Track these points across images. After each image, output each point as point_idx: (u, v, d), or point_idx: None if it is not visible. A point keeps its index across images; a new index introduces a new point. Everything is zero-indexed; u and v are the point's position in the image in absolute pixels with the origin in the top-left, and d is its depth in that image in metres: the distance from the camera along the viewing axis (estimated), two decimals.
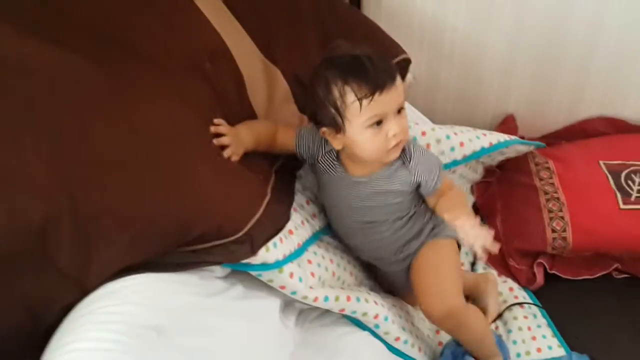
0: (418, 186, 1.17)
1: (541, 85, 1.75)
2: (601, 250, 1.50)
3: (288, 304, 1.15)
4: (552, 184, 1.58)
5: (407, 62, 1.44)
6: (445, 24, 1.67)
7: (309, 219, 1.23)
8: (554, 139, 1.80)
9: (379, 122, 1.07)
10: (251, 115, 1.21)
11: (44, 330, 0.80)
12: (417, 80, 1.76)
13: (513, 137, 1.54)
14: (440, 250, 1.23)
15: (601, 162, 1.61)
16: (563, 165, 1.63)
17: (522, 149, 1.60)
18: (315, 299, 1.11)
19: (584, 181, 1.58)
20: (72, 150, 0.82)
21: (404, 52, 1.44)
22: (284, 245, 1.06)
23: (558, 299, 1.48)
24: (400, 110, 1.09)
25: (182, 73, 1.06)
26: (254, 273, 1.04)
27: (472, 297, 1.43)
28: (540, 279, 1.50)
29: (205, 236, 0.91)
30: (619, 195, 1.52)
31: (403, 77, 1.30)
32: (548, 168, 1.63)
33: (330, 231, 1.30)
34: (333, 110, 1.07)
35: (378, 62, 1.05)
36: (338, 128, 1.09)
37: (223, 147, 1.05)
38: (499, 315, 1.44)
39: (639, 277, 1.49)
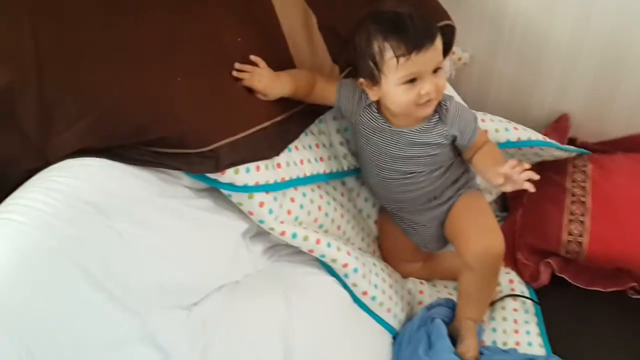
0: (454, 139, 1.22)
1: (603, 87, 1.64)
2: (619, 265, 1.42)
3: (262, 233, 1.19)
4: (584, 187, 1.51)
5: (451, 28, 1.41)
6: (507, 4, 1.61)
7: (317, 159, 1.25)
8: (610, 148, 1.70)
9: (413, 80, 1.12)
10: (285, 49, 1.24)
11: (6, 192, 0.89)
12: (472, 60, 1.72)
13: (548, 139, 1.48)
14: (480, 199, 1.32)
15: None
16: (602, 172, 1.55)
17: (559, 154, 1.54)
18: (282, 233, 1.14)
19: (619, 193, 1.49)
20: (61, 36, 0.90)
21: (448, 17, 1.41)
22: (260, 173, 1.09)
23: (559, 302, 1.43)
24: (437, 70, 1.12)
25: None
26: (224, 192, 1.09)
27: None
28: (544, 277, 1.45)
29: (166, 141, 0.97)
30: None
31: (446, 44, 1.28)
32: (584, 172, 1.55)
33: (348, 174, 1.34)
34: (371, 64, 1.13)
35: (419, 22, 1.10)
36: (375, 81, 1.14)
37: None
38: (492, 303, 1.41)
39: None
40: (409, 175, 1.24)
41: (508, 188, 1.11)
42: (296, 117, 1.22)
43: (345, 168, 1.35)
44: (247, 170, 1.07)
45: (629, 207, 1.45)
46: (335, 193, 1.33)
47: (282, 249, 1.23)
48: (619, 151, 1.68)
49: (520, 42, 1.66)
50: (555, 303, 1.43)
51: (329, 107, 1.30)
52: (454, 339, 1.24)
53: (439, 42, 1.12)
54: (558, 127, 1.69)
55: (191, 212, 1.04)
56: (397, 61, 1.09)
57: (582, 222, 1.45)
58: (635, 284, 1.40)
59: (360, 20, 1.15)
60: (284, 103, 1.19)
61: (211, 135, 1.01)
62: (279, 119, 1.16)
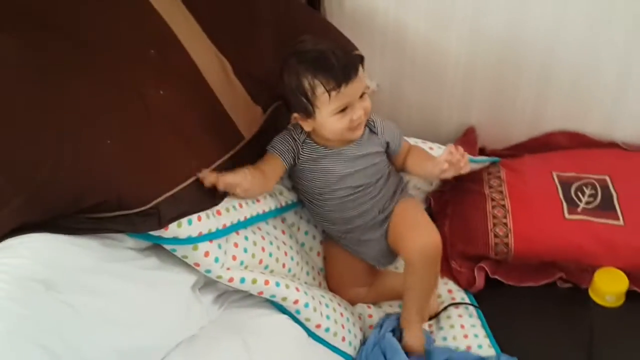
0: (387, 146, 1.38)
1: (502, 97, 1.77)
2: (545, 258, 1.51)
3: (210, 283, 1.19)
4: (501, 191, 1.61)
5: (360, 58, 1.48)
6: (406, 29, 1.70)
7: (253, 200, 1.27)
8: (517, 151, 1.82)
9: (344, 109, 1.24)
10: (211, 95, 1.27)
11: None
12: (380, 88, 1.80)
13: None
14: (413, 202, 1.46)
15: (554, 173, 1.63)
16: (515, 174, 1.66)
17: (474, 166, 1.63)
18: (230, 280, 1.15)
19: (532, 191, 1.60)
20: None
21: (355, 48, 1.49)
22: (201, 223, 1.10)
23: (498, 303, 1.49)
24: (362, 95, 1.25)
25: (120, 57, 1.13)
26: (167, 247, 1.09)
27: None
28: (480, 282, 1.51)
29: (103, 205, 0.97)
30: (565, 205, 1.54)
31: None
32: (499, 177, 1.66)
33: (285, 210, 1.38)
34: (304, 100, 1.24)
35: (342, 57, 1.22)
36: (309, 114, 1.25)
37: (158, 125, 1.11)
38: (436, 315, 1.46)
39: (581, 287, 1.48)
40: (359, 189, 1.34)
41: (450, 173, 1.26)
42: (229, 163, 1.23)
43: (283, 204, 1.38)
44: (190, 222, 1.08)
45: (542, 202, 1.56)
46: (276, 232, 1.35)
47: (231, 295, 1.24)
48: (525, 153, 1.80)
49: (422, 65, 1.76)
50: (495, 304, 1.49)
51: (263, 148, 1.34)
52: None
53: (361, 71, 1.24)
54: (467, 140, 1.79)
55: (139, 273, 1.04)
56: (329, 95, 1.20)
57: (505, 224, 1.54)
58: (562, 274, 1.49)
59: (285, 60, 1.25)
60: (214, 152, 1.21)
61: (149, 193, 1.01)
62: (217, 164, 1.18)
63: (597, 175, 1.61)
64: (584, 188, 1.58)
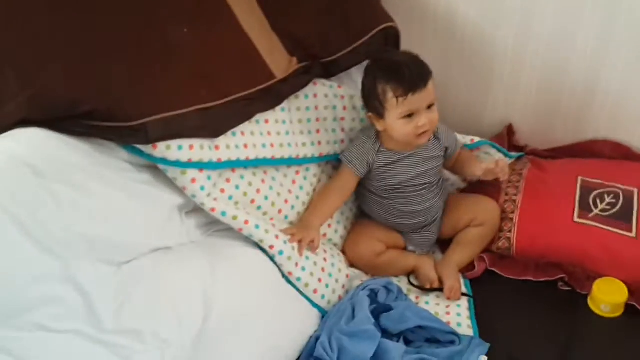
0: (446, 150, 1.54)
1: (547, 97, 1.75)
2: (548, 259, 1.50)
3: (200, 209, 1.29)
4: (517, 187, 1.61)
5: (394, 30, 1.58)
6: (457, 15, 1.73)
7: (264, 144, 1.36)
8: (557, 154, 1.80)
9: (410, 115, 1.39)
10: (243, 37, 1.37)
11: None
12: None
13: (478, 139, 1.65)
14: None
15: (580, 178, 1.61)
16: (538, 173, 1.65)
17: (495, 155, 1.67)
18: (212, 210, 1.26)
19: (550, 190, 1.59)
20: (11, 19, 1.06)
21: (391, 20, 1.58)
22: (193, 152, 1.22)
23: (491, 291, 1.50)
24: (430, 106, 1.40)
25: None
26: (160, 167, 1.22)
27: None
28: (478, 271, 1.53)
29: (96, 114, 1.10)
30: (577, 208, 1.52)
31: (395, 45, 1.59)
32: (521, 173, 1.65)
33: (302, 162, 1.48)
34: (377, 102, 1.40)
35: (415, 69, 1.39)
36: (380, 115, 1.42)
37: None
38: (432, 290, 1.50)
39: (582, 293, 1.46)
40: (425, 187, 1.52)
41: (490, 177, 1.52)
42: (246, 103, 1.33)
43: (301, 155, 1.47)
44: (180, 148, 1.20)
45: (554, 202, 1.54)
46: (285, 180, 1.45)
47: (218, 224, 1.33)
48: (564, 157, 1.77)
49: (470, 54, 1.78)
50: (488, 291, 1.50)
51: (290, 95, 1.46)
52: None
53: (431, 84, 1.39)
54: (500, 136, 1.81)
55: (126, 183, 1.17)
56: (397, 101, 1.36)
57: (511, 219, 1.55)
58: (564, 275, 1.48)
59: (368, 65, 1.46)
60: (231, 87, 1.30)
61: (139, 110, 1.13)
62: (221, 102, 1.27)
63: (625, 187, 1.57)
64: (605, 196, 1.55)
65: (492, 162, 1.50)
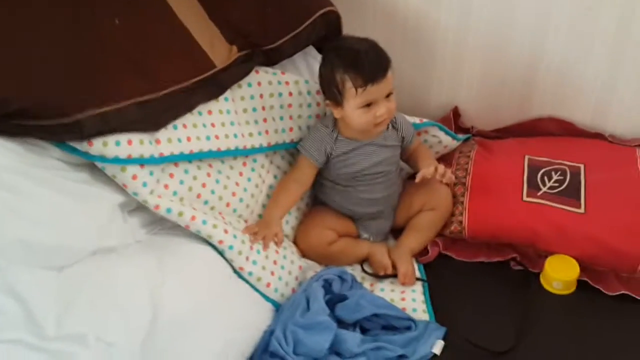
0: (403, 140, 1.53)
1: (491, 78, 1.76)
2: (500, 240, 1.50)
3: (144, 207, 1.24)
4: (465, 169, 1.62)
5: (334, 14, 1.55)
6: (396, 2, 1.72)
7: (209, 137, 1.31)
8: (504, 134, 1.81)
9: (369, 105, 1.37)
10: (180, 27, 1.32)
11: None
12: None
13: (426, 120, 1.64)
14: None
15: (527, 157, 1.62)
16: (485, 154, 1.65)
17: (446, 140, 1.68)
18: (156, 207, 1.21)
19: (497, 171, 1.59)
20: None
21: (330, 4, 1.54)
22: (132, 147, 1.17)
23: (445, 275, 1.50)
24: (388, 95, 1.39)
25: None
26: (98, 165, 1.17)
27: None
28: (432, 255, 1.53)
29: (26, 113, 1.04)
30: (525, 187, 1.53)
31: (336, 30, 1.57)
32: (469, 156, 1.66)
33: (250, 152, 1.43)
34: (335, 90, 1.39)
35: (374, 59, 1.36)
36: (338, 103, 1.40)
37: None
38: (380, 276, 1.49)
39: (534, 272, 1.47)
40: (384, 174, 1.51)
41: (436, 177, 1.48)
42: (186, 94, 1.28)
43: (248, 146, 1.42)
44: (117, 143, 1.15)
45: (503, 182, 1.55)
46: (231, 172, 1.40)
47: (165, 223, 1.29)
48: (511, 137, 1.78)
49: (412, 38, 1.77)
50: (441, 276, 1.50)
51: (231, 84, 1.41)
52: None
53: (390, 74, 1.38)
54: (446, 118, 1.81)
55: (61, 182, 1.11)
56: (356, 91, 1.35)
57: (462, 202, 1.55)
58: (516, 255, 1.48)
59: (325, 52, 1.46)
60: (170, 79, 1.25)
61: (73, 106, 1.08)
62: (160, 94, 1.22)
63: (571, 163, 1.59)
64: (552, 173, 1.56)
65: (430, 170, 1.46)
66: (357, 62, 1.35)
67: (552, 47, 1.65)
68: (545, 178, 1.55)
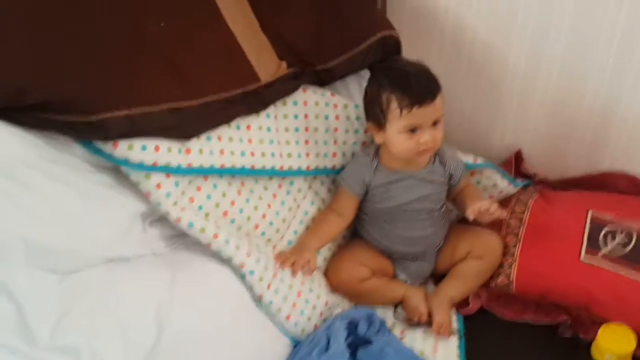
0: (450, 178, 1.42)
1: (560, 123, 1.63)
2: (550, 298, 1.37)
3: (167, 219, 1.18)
4: (520, 219, 1.49)
5: (393, 39, 1.46)
6: (465, 30, 1.62)
7: (244, 152, 1.24)
8: (569, 186, 1.67)
9: (414, 130, 1.29)
10: (228, 36, 1.26)
11: None
12: None
13: (486, 161, 1.54)
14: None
15: (590, 212, 1.48)
16: (544, 204, 1.52)
17: (503, 185, 1.57)
18: (178, 220, 1.14)
19: (556, 224, 1.46)
20: None
21: (390, 27, 1.46)
22: (159, 154, 1.10)
23: (486, 331, 1.36)
24: (435, 123, 1.30)
25: None
26: (123, 170, 1.11)
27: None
28: (473, 307, 1.40)
29: (49, 106, 0.99)
30: (585, 245, 1.39)
31: (392, 54, 1.46)
32: (526, 204, 1.52)
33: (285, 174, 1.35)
34: (379, 111, 1.31)
35: (423, 81, 1.29)
36: (381, 125, 1.32)
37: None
38: (413, 324, 1.38)
39: (586, 340, 1.32)
40: (426, 212, 1.41)
41: (484, 220, 1.38)
42: (225, 105, 1.22)
43: (286, 168, 1.34)
44: (144, 148, 1.08)
45: (560, 237, 1.41)
46: (264, 192, 1.33)
47: (187, 238, 1.21)
48: (578, 189, 1.64)
49: (478, 71, 1.66)
50: (482, 330, 1.37)
51: (275, 100, 1.34)
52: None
53: (439, 100, 1.30)
54: (507, 162, 1.68)
55: (81, 183, 1.05)
56: (401, 112, 1.26)
57: (512, 254, 1.42)
58: (568, 318, 1.34)
59: (374, 71, 1.39)
60: (209, 87, 1.20)
61: (100, 104, 1.03)
62: (196, 102, 1.16)
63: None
64: (617, 234, 1.41)
65: (485, 204, 1.36)
66: (405, 82, 1.28)
67: (631, 94, 1.51)
68: (608, 238, 1.40)
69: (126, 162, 1.08)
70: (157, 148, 1.10)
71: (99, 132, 1.03)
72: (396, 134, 1.30)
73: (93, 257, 1.06)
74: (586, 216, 1.46)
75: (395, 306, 1.42)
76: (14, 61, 0.98)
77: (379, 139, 1.35)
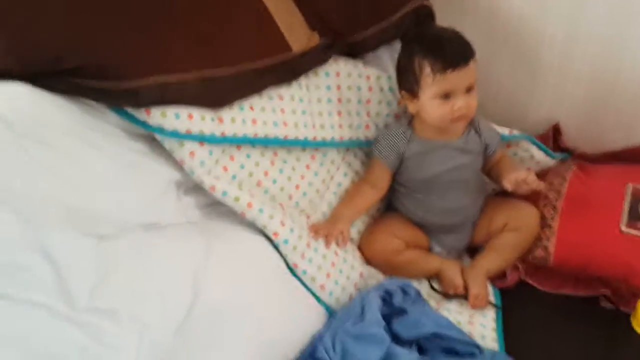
0: (486, 148, 1.40)
1: (598, 95, 1.59)
2: (589, 271, 1.34)
3: (202, 188, 1.18)
4: (559, 191, 1.46)
5: (427, 9, 1.45)
6: (499, 3, 1.58)
7: (276, 122, 1.24)
8: (611, 159, 1.63)
9: (447, 95, 1.27)
10: (259, 5, 1.25)
11: None
12: None
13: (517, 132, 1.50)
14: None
15: (630, 185, 1.44)
16: (583, 176, 1.49)
17: (540, 157, 1.55)
18: (212, 188, 1.14)
19: (595, 196, 1.42)
20: None
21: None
22: (192, 122, 1.11)
23: (523, 303, 1.35)
24: (469, 90, 1.28)
25: None
26: (157, 137, 1.11)
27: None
28: (511, 280, 1.38)
29: (83, 71, 1.00)
30: (625, 217, 1.36)
31: (425, 24, 1.45)
32: (564, 177, 1.49)
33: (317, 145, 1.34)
34: (412, 78, 1.29)
35: (456, 46, 1.28)
36: (414, 93, 1.30)
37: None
38: (449, 296, 1.36)
39: (623, 311, 1.29)
40: (462, 183, 1.39)
41: (521, 191, 1.34)
42: (256, 74, 1.22)
43: (319, 139, 1.34)
44: (177, 116, 1.09)
45: (600, 209, 1.38)
46: (297, 163, 1.33)
47: (222, 207, 1.21)
48: (617, 162, 1.60)
49: (514, 43, 1.63)
50: (520, 303, 1.35)
51: (307, 70, 1.33)
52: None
53: (473, 65, 1.27)
54: (545, 136, 1.65)
55: (116, 150, 1.06)
56: (434, 77, 1.25)
57: (550, 225, 1.39)
58: (607, 290, 1.31)
59: (406, 39, 1.37)
60: (241, 56, 1.19)
61: (133, 70, 1.03)
62: (228, 70, 1.16)
63: None
64: None
65: (522, 174, 1.33)
66: (438, 46, 1.27)
67: None
68: None
69: (160, 129, 1.09)
70: (190, 116, 1.11)
71: (131, 99, 1.04)
72: (430, 100, 1.28)
73: (129, 223, 1.06)
74: (626, 188, 1.43)
75: (430, 279, 1.41)
76: (49, 26, 0.99)
77: (412, 108, 1.34)
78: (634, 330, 1.25)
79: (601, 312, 1.32)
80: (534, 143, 1.52)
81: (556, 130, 1.67)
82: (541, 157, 1.54)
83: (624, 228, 1.34)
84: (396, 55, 1.40)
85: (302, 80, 1.32)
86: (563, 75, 1.61)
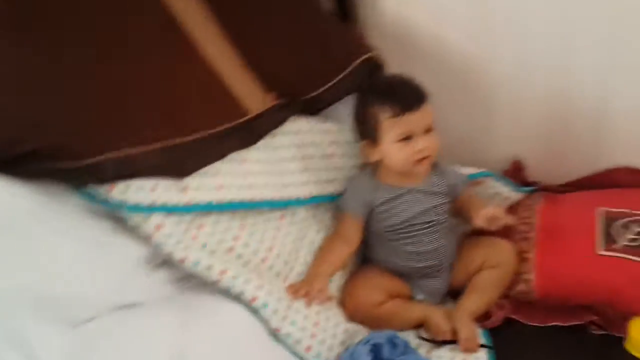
0: (452, 189, 1.41)
1: (555, 128, 1.62)
2: (573, 300, 1.32)
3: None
4: (529, 223, 1.46)
5: (376, 60, 1.47)
6: (444, 46, 1.62)
7: (243, 186, 1.22)
8: (574, 188, 1.64)
9: (407, 137, 1.29)
10: (209, 72, 1.26)
11: None
12: None
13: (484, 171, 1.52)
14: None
15: (600, 208, 1.45)
16: (552, 206, 1.50)
17: (506, 192, 1.55)
18: (182, 260, 1.11)
19: (567, 223, 1.43)
20: None
21: (369, 50, 1.48)
22: (156, 193, 1.08)
23: (513, 340, 1.31)
24: (428, 131, 1.30)
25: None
26: (121, 214, 1.08)
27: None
28: (497, 319, 1.35)
29: (40, 154, 0.98)
30: (601, 240, 1.36)
31: (375, 73, 1.48)
32: (533, 208, 1.50)
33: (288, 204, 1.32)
34: (371, 126, 1.31)
35: (409, 89, 1.32)
36: (375, 141, 1.32)
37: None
38: (438, 342, 1.32)
39: (617, 335, 1.27)
40: (432, 224, 1.38)
41: (493, 227, 1.35)
42: (216, 140, 1.21)
43: (285, 197, 1.31)
44: (140, 189, 1.06)
45: (573, 236, 1.39)
46: (268, 225, 1.29)
47: (194, 280, 1.17)
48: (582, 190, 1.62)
49: (465, 85, 1.66)
50: (510, 340, 1.31)
51: (267, 132, 1.33)
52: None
53: (428, 106, 1.30)
54: (507, 173, 1.66)
55: (80, 232, 1.03)
56: (391, 121, 1.28)
57: (527, 259, 1.39)
58: (595, 317, 1.29)
59: (361, 91, 1.39)
60: (199, 124, 1.19)
61: (91, 148, 1.01)
62: (188, 138, 1.15)
63: None
64: (631, 225, 1.38)
65: (490, 210, 1.35)
66: (391, 91, 1.31)
67: (622, 86, 1.50)
68: (623, 230, 1.37)
69: (123, 205, 1.06)
70: (154, 188, 1.08)
71: (92, 176, 1.02)
72: (391, 144, 1.30)
73: (101, 305, 1.03)
74: (595, 212, 1.43)
75: (417, 330, 1.37)
76: (11, 106, 0.98)
77: (375, 155, 1.34)
78: (629, 353, 1.23)
79: (592, 339, 1.29)
80: (499, 179, 1.52)
81: (518, 166, 1.68)
82: (508, 193, 1.54)
83: (601, 252, 1.34)
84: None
85: (263, 141, 1.31)
86: (517, 110, 1.64)
